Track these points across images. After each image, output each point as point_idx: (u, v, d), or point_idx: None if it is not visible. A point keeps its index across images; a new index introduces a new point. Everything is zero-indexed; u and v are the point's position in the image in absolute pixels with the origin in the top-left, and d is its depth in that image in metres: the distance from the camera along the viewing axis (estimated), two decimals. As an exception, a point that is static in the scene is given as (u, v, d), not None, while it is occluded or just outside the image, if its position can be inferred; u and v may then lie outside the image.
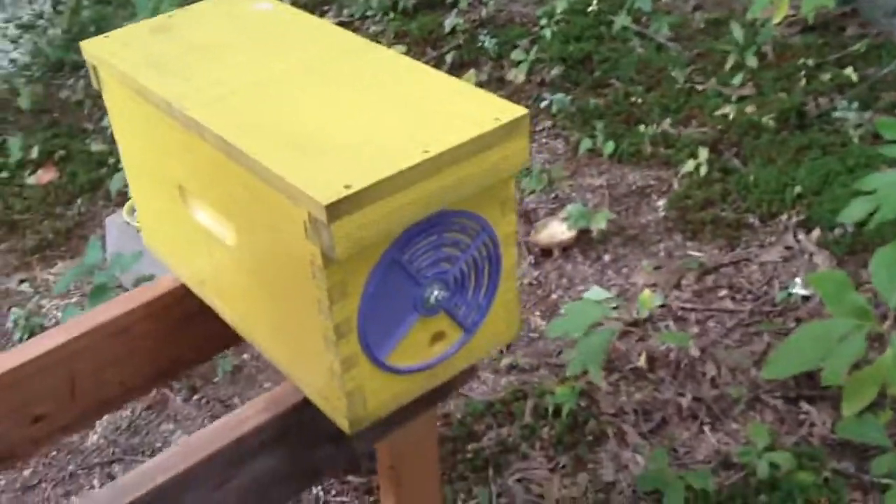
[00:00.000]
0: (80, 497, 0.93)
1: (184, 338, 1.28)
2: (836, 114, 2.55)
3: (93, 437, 1.74)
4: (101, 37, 1.22)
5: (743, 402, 1.79)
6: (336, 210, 0.84)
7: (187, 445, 1.02)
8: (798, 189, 2.29)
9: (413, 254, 0.95)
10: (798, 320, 1.97)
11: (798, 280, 2.09)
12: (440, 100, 0.99)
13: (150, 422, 1.78)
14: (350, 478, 1.62)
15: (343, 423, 0.99)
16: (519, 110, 0.96)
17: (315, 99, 1.02)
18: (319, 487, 1.61)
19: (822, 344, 1.43)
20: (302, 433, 1.08)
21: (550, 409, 1.78)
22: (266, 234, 0.97)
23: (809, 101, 2.61)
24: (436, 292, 0.99)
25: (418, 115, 0.97)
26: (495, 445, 1.71)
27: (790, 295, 2.05)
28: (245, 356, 1.89)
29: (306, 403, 1.05)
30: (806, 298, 2.02)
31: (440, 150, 0.90)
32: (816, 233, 2.19)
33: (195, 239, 1.13)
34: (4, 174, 2.62)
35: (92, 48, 1.19)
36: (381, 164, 0.88)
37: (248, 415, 1.05)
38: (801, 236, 2.19)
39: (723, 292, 2.07)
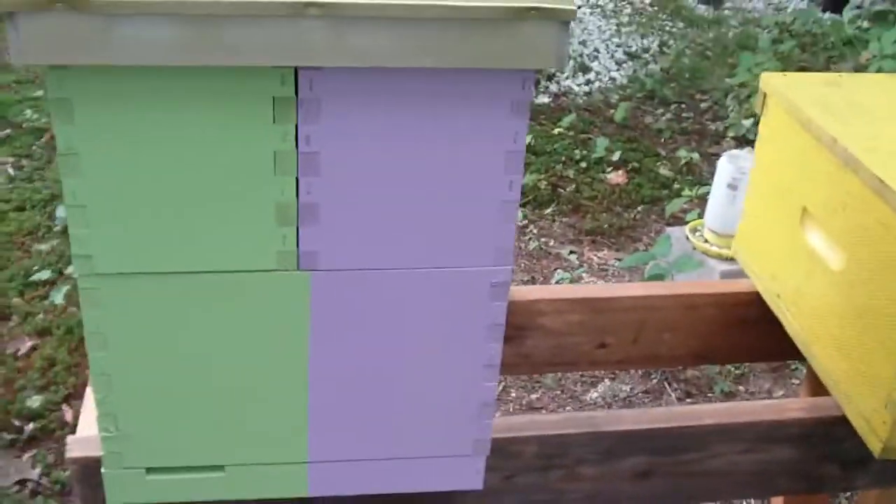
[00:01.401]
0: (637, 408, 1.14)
1: (735, 336, 1.47)
2: None
3: (593, 393, 2.01)
4: (778, 74, 1.46)
5: None
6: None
7: (732, 408, 1.20)
8: None
9: None
10: None
11: None
12: None
13: (641, 403, 2.00)
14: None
15: (875, 447, 1.11)
16: None
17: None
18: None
19: None
20: (826, 443, 1.21)
21: None
22: (880, 266, 1.12)
23: None
24: None
25: None
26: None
27: None
28: (740, 387, 2.04)
29: (841, 420, 1.18)
30: None
31: None
32: None
33: (795, 257, 1.31)
34: (584, 164, 3.01)
35: (770, 79, 1.42)
36: None
37: (789, 407, 1.21)
38: None
39: None
